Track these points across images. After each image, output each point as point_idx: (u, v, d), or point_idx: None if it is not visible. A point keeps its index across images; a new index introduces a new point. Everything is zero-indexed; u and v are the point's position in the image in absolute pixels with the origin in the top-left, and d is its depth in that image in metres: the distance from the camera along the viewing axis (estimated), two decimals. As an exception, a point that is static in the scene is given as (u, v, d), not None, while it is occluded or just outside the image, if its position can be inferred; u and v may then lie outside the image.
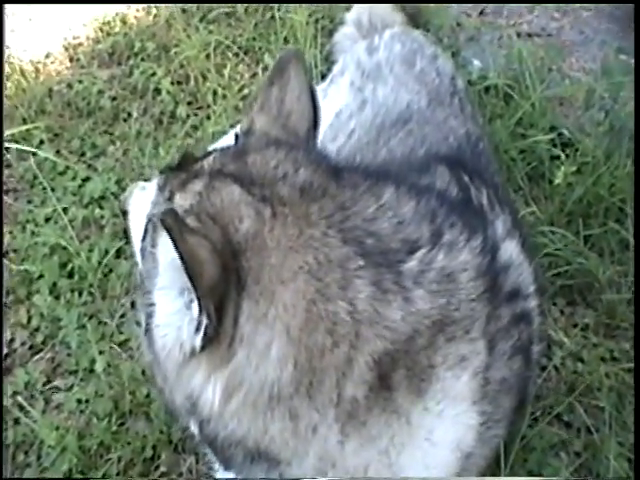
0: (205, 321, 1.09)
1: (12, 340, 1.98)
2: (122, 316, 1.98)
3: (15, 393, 1.87)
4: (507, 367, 1.26)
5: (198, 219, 1.13)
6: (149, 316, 1.19)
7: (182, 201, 1.18)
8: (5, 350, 1.96)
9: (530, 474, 1.70)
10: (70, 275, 2.07)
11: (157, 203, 1.26)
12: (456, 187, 1.47)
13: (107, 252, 2.10)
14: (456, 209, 1.31)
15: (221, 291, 1.08)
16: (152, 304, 1.17)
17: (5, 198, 2.30)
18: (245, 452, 1.17)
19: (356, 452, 1.15)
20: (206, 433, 1.18)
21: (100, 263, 2.08)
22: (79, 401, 1.85)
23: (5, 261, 2.12)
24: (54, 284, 2.06)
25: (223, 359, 1.11)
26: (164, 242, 1.06)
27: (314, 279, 1.12)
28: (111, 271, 2.09)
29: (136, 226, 1.32)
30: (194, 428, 1.22)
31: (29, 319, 2.01)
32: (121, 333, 1.95)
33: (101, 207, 2.24)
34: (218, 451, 1.21)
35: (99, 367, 1.87)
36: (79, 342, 1.94)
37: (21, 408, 1.83)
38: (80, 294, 2.03)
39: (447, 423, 1.19)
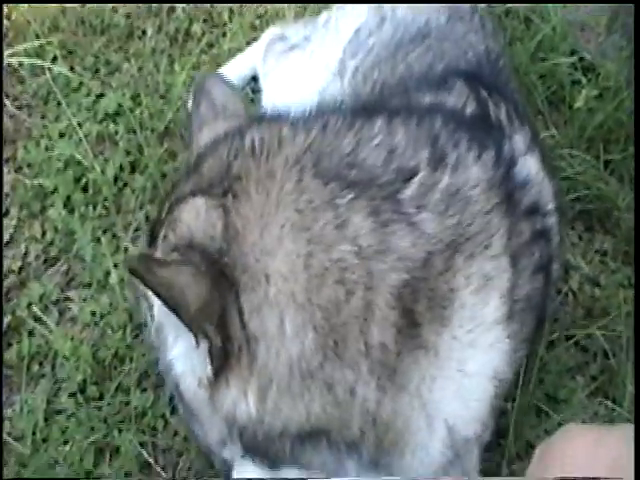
0: (206, 345, 1.01)
1: (26, 254, 1.91)
2: (136, 230, 1.91)
3: (30, 305, 1.81)
4: (530, 284, 1.20)
5: (178, 251, 1.04)
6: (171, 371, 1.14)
7: (163, 249, 1.09)
8: (19, 264, 1.89)
9: (547, 396, 1.65)
10: (84, 189, 1.99)
11: None
12: (474, 102, 1.39)
13: (122, 167, 2.03)
14: (465, 126, 1.23)
15: (218, 307, 0.99)
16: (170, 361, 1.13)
17: (19, 113, 2.21)
18: (292, 440, 1.09)
19: (392, 401, 1.08)
20: (249, 442, 1.10)
21: (115, 177, 2.00)
22: (93, 313, 1.79)
23: (19, 176, 2.05)
24: (68, 198, 1.98)
25: (247, 368, 1.03)
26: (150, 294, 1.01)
27: (302, 231, 1.02)
28: (125, 185, 2.01)
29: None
30: (232, 454, 1.18)
31: (43, 233, 1.94)
32: (135, 246, 1.88)
33: (115, 122, 2.14)
34: (264, 454, 1.13)
35: (113, 280, 1.80)
36: (93, 255, 1.87)
37: (36, 319, 1.78)
38: (94, 208, 1.95)
39: (481, 352, 1.12)
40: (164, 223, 1.11)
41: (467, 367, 1.12)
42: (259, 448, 1.11)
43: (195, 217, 1.05)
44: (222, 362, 1.03)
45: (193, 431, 1.20)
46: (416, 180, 1.11)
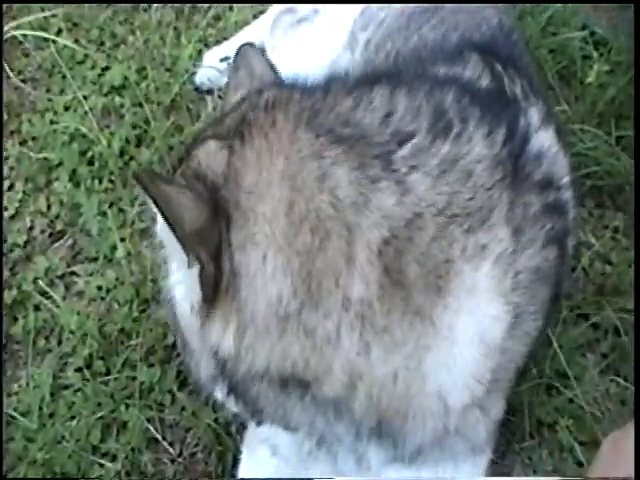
0: (198, 269, 1.04)
1: (31, 228, 1.88)
2: (142, 204, 1.85)
3: (36, 279, 1.77)
4: (541, 256, 1.16)
5: (185, 178, 1.09)
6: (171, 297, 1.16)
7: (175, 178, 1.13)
8: (24, 237, 1.85)
9: (557, 373, 1.61)
10: (90, 162, 1.95)
11: None
12: (489, 76, 1.35)
13: (127, 140, 1.98)
14: (480, 100, 1.19)
15: (215, 237, 1.03)
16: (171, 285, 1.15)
17: (24, 86, 2.16)
18: (271, 384, 1.09)
19: (382, 360, 1.06)
20: (229, 377, 1.11)
21: (121, 151, 1.96)
22: (99, 288, 1.76)
23: (24, 149, 2.01)
24: (74, 171, 1.94)
25: (230, 303, 1.05)
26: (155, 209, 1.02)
27: (288, 179, 1.04)
28: (132, 159, 1.97)
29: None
30: (220, 392, 1.18)
31: (49, 207, 1.91)
32: (142, 221, 1.84)
33: (121, 95, 2.09)
34: (245, 395, 1.14)
35: (120, 254, 1.77)
36: (99, 229, 1.83)
37: (42, 293, 1.74)
38: (100, 181, 1.91)
39: (465, 317, 1.08)
40: (182, 162, 1.16)
41: (452, 333, 1.09)
42: (239, 389, 1.13)
43: (206, 155, 1.10)
44: (211, 292, 1.06)
45: (187, 366, 1.23)
46: (411, 143, 1.09)
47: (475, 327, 1.10)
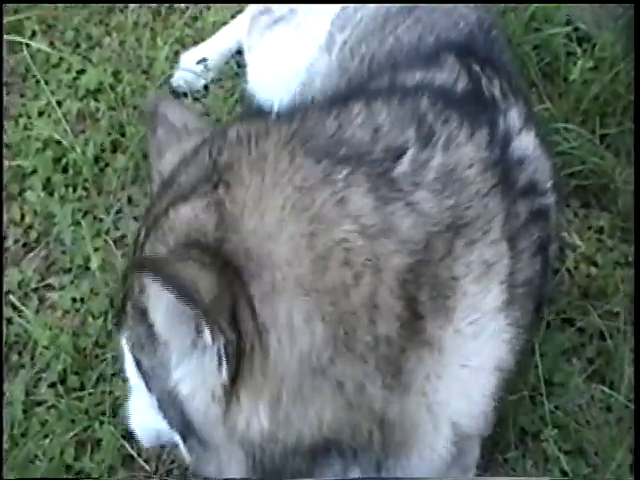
0: (222, 342, 0.89)
1: (4, 238, 1.80)
2: (118, 212, 1.79)
3: (8, 292, 1.70)
4: (530, 267, 1.11)
5: (171, 252, 0.94)
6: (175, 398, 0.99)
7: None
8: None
9: (541, 380, 1.55)
10: (64, 170, 1.87)
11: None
12: (466, 78, 1.28)
13: (103, 146, 1.90)
14: (456, 104, 1.14)
15: (228, 300, 0.89)
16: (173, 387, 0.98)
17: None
18: (305, 457, 0.99)
19: (398, 403, 1.00)
20: (262, 468, 0.99)
21: (96, 157, 1.88)
22: (74, 300, 1.69)
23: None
24: (48, 179, 1.86)
25: (259, 369, 0.92)
26: (153, 303, 0.90)
27: (302, 211, 0.94)
28: (107, 165, 1.89)
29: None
30: None
31: (22, 216, 1.83)
32: (117, 229, 1.78)
33: (97, 100, 2.01)
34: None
35: (94, 264, 1.69)
36: (73, 239, 1.76)
37: (14, 308, 1.67)
38: (75, 189, 1.84)
39: (484, 344, 1.04)
40: (143, 250, 1.01)
41: (471, 362, 1.04)
42: (278, 474, 1.01)
43: (186, 219, 0.96)
44: (236, 364, 0.92)
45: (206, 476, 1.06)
46: (406, 158, 1.02)
47: (492, 352, 1.06)
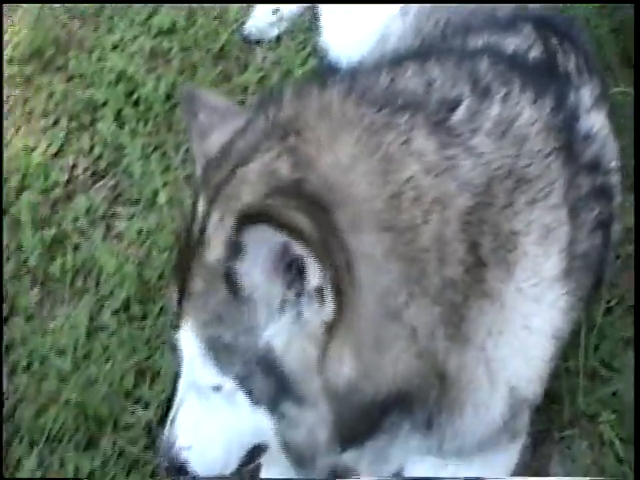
0: (326, 279, 0.89)
1: (74, 166, 1.80)
2: (187, 151, 1.77)
3: (76, 219, 1.70)
4: (589, 241, 1.11)
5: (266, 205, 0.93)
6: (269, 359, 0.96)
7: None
8: (66, 176, 1.78)
9: (602, 363, 1.51)
10: (136, 104, 1.87)
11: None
12: (540, 47, 1.26)
13: (174, 84, 1.89)
14: (522, 69, 1.14)
15: (323, 237, 0.89)
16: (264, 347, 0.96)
17: (71, 23, 2.07)
18: (379, 410, 1.00)
19: (458, 356, 1.00)
20: (345, 422, 0.99)
21: (167, 95, 1.87)
22: (140, 232, 1.69)
23: (70, 87, 1.92)
24: (119, 112, 1.86)
25: (349, 306, 0.92)
26: (249, 259, 0.89)
27: (373, 150, 0.96)
28: (177, 105, 1.86)
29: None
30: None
31: (92, 146, 1.83)
32: (184, 168, 1.76)
33: (169, 40, 2.00)
34: (357, 436, 1.03)
35: (162, 199, 1.69)
36: (142, 172, 1.75)
37: (82, 233, 1.67)
38: (145, 124, 1.83)
39: (545, 309, 1.04)
40: (210, 219, 0.99)
41: (532, 324, 1.04)
42: (354, 430, 1.01)
43: (256, 175, 0.96)
44: (336, 300, 0.91)
45: (298, 445, 1.03)
46: (461, 108, 1.03)
47: (550, 319, 1.06)
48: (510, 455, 1.26)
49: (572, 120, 1.14)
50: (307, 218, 0.88)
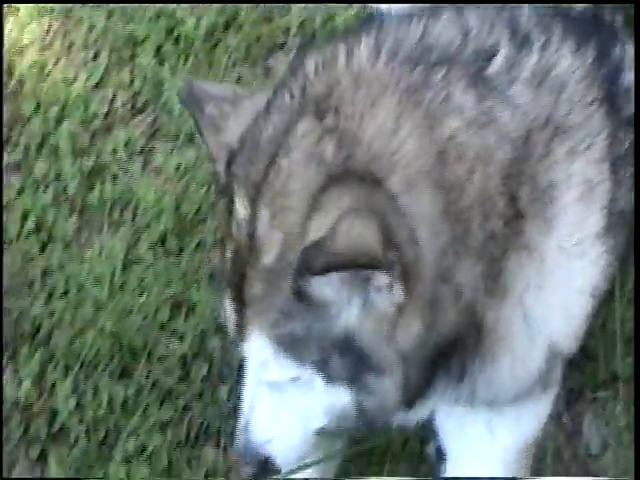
0: (395, 266, 0.88)
1: (113, 100, 1.79)
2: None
3: (115, 151, 1.69)
4: (627, 199, 1.09)
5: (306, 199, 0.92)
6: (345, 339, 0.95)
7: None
8: (105, 108, 1.76)
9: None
10: (176, 41, 1.84)
11: None
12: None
13: (215, 23, 1.87)
14: (565, 19, 1.10)
15: (383, 221, 0.89)
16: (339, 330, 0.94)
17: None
18: (429, 366, 0.99)
19: (496, 308, 0.99)
20: (414, 374, 0.99)
21: (207, 33, 1.85)
22: (178, 167, 1.67)
23: (110, 22, 1.90)
24: (159, 48, 1.83)
25: (414, 272, 0.91)
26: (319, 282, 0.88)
27: (414, 109, 0.94)
28: (217, 44, 1.85)
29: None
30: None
31: (132, 80, 1.81)
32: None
33: (211, -22, 1.97)
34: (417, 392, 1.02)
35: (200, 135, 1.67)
36: (181, 109, 1.72)
37: (120, 166, 1.67)
38: (185, 61, 1.81)
39: (586, 266, 1.03)
40: (257, 221, 0.95)
41: (573, 280, 1.03)
42: (417, 387, 1.01)
43: (301, 164, 0.93)
44: (404, 282, 0.91)
45: (367, 409, 1.02)
46: (499, 58, 1.00)
47: (591, 278, 1.05)
48: (543, 405, 1.24)
49: (616, 72, 1.10)
50: (376, 238, 0.86)
